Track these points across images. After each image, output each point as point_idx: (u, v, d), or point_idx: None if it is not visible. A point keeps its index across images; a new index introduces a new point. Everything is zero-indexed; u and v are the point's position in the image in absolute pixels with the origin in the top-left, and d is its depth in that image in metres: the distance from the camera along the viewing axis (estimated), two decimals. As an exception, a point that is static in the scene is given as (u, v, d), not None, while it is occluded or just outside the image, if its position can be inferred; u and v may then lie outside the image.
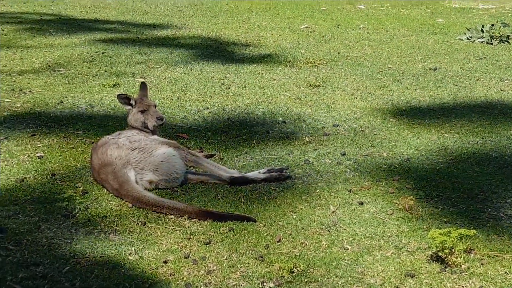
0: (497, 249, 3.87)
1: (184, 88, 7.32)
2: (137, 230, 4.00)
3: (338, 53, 9.53)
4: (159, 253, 3.74)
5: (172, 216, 4.20)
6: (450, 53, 9.74)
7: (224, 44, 10.00)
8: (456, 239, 3.69)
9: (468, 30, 11.07)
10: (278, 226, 4.14)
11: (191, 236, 3.95)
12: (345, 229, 4.13)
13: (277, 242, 3.93)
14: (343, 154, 5.41)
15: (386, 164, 5.21)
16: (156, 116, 4.96)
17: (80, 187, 4.57)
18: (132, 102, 5.01)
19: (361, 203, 4.50)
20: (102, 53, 9.05)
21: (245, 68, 8.40)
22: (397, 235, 4.06)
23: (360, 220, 4.26)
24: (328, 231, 4.10)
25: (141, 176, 4.52)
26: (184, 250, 3.79)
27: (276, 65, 8.64)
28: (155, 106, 5.06)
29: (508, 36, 10.77)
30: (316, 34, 11.05)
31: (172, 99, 6.87)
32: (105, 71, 8.03)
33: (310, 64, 8.68)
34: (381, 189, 4.75)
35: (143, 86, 5.19)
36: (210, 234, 3.98)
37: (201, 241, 3.89)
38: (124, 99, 5.02)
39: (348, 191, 4.69)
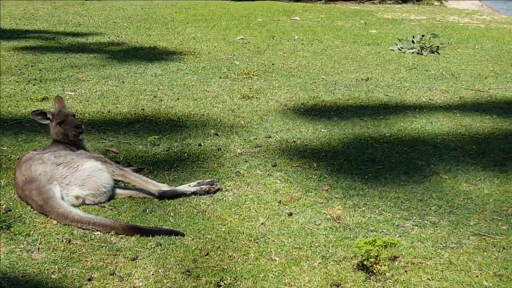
0: (421, 256, 3.94)
1: (115, 101, 7.25)
2: (61, 248, 3.93)
3: (273, 64, 9.58)
4: (83, 270, 3.68)
5: (99, 232, 4.14)
6: (382, 63, 9.91)
7: (158, 56, 9.96)
8: (381, 248, 3.75)
9: (400, 41, 11.28)
10: (207, 239, 4.13)
11: (117, 252, 3.90)
12: (273, 241, 4.14)
13: (205, 255, 3.92)
14: (274, 166, 5.44)
15: (316, 175, 5.26)
16: (74, 125, 4.89)
17: (3, 205, 4.47)
18: (50, 116, 4.93)
19: (290, 214, 4.52)
20: (31, 66, 8.91)
21: (179, 80, 8.38)
22: (325, 245, 4.09)
23: (289, 231, 4.28)
24: (257, 243, 4.11)
25: (67, 192, 4.44)
26: (109, 267, 3.74)
27: (210, 77, 8.64)
28: (74, 115, 5.00)
29: (438, 46, 11.02)
30: (251, 46, 11.10)
31: (103, 113, 6.80)
32: (34, 84, 7.89)
33: (244, 76, 8.70)
34: (311, 199, 4.78)
35: (59, 99, 5.15)
36: (137, 250, 3.94)
37: (127, 257, 3.85)
38: (40, 114, 4.95)
39: (278, 202, 4.71)
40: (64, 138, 4.90)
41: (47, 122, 4.95)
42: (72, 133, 4.89)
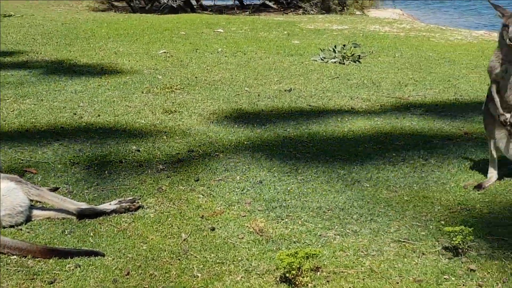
0: (343, 265, 3.97)
1: (33, 120, 7.07)
2: (-25, 274, 3.80)
3: (196, 77, 9.54)
4: (-2, 296, 3.57)
5: (15, 256, 4.02)
6: (304, 74, 9.99)
7: (79, 73, 9.77)
8: (303, 259, 3.75)
9: (322, 50, 11.41)
10: (128, 258, 4.06)
11: (35, 276, 3.79)
12: (196, 257, 4.10)
13: (126, 275, 3.85)
14: (197, 180, 5.40)
15: (239, 188, 5.25)
16: None
17: None
18: None
19: (213, 229, 4.49)
20: None
21: (100, 96, 8.25)
22: (247, 258, 4.08)
23: (211, 246, 4.25)
24: (179, 259, 4.06)
25: (-19, 215, 4.31)
26: (26, 291, 3.63)
27: (132, 92, 8.54)
28: None
29: (359, 55, 11.18)
30: (174, 59, 11.03)
31: (21, 132, 6.63)
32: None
33: (167, 90, 8.63)
34: (233, 213, 4.77)
35: None
36: (55, 273, 3.84)
37: (45, 281, 3.74)
38: None
39: (201, 218, 4.68)
40: None
41: None
42: None
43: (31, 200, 4.53)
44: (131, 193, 5.11)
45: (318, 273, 3.86)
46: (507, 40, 4.87)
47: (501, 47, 5.03)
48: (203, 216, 4.70)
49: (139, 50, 11.88)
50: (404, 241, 4.33)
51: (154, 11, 22.14)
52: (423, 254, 4.16)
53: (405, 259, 4.09)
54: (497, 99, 5.15)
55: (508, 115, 5.09)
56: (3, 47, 12.20)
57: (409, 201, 5.02)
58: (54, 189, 5.01)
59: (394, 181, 5.44)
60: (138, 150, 6.14)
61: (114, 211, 4.69)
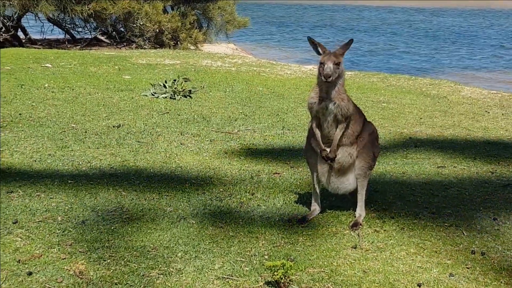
0: (165, 306, 3.91)
1: None
2: None
3: (20, 114, 9.17)
4: None
5: None
6: (134, 109, 9.90)
7: None
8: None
9: (153, 86, 11.38)
10: None
11: None
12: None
13: None
14: (15, 222, 5.14)
15: (60, 229, 5.05)
16: None
17: None
18: None
19: (30, 273, 4.28)
20: None
21: None
22: (65, 303, 3.92)
23: (28, 292, 4.05)
24: (-9, 308, 3.83)
25: None
26: None
27: (-51, 130, 8.05)
28: None
29: (190, 90, 11.26)
30: (-2, 96, 10.55)
31: None
32: None
33: (-13, 128, 8.23)
34: (53, 255, 4.57)
35: None
36: None
37: None
38: None
39: (17, 262, 4.45)
40: None
41: None
42: None
43: None
44: None
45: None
46: (322, 78, 5.05)
47: (319, 84, 5.19)
48: (19, 260, 4.47)
49: (-42, 86, 11.26)
50: (227, 278, 4.34)
51: (-22, 45, 21.21)
52: (245, 290, 4.19)
53: (222, 297, 4.10)
54: (318, 134, 5.30)
55: (328, 150, 5.25)
56: None
57: (234, 236, 5.05)
58: None
59: (220, 216, 5.46)
60: (-47, 193, 5.77)
61: None
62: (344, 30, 43.06)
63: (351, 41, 5.25)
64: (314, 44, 5.18)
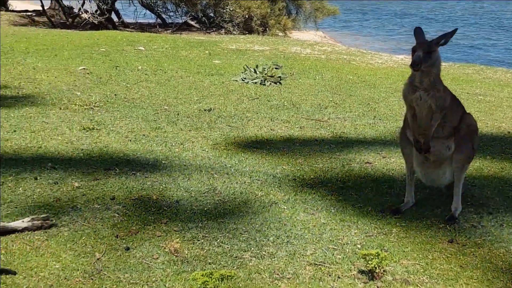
0: (258, 288, 3.97)
1: None
2: None
3: (115, 95, 9.42)
4: None
5: None
6: (225, 94, 10.01)
7: (-6, 86, 9.52)
8: (217, 280, 3.73)
9: (246, 70, 11.45)
10: (40, 277, 3.95)
11: None
12: (109, 277, 4.02)
13: (36, 295, 3.74)
14: (113, 199, 5.31)
15: (155, 207, 5.18)
16: None
17: None
18: None
19: (128, 248, 4.42)
20: None
21: (16, 111, 8.03)
22: (162, 279, 4.02)
23: (125, 266, 4.18)
24: (92, 279, 3.97)
25: None
26: None
27: (50, 108, 8.36)
28: None
29: (280, 77, 11.29)
30: (94, 76, 10.86)
31: None
32: None
33: (85, 107, 8.49)
34: (149, 232, 4.70)
35: None
36: (-39, 293, 3.70)
37: (-49, 300, 3.61)
38: None
39: (115, 237, 4.59)
40: None
41: None
42: None
43: None
44: (45, 210, 4.98)
45: (233, 295, 3.84)
46: (410, 66, 4.97)
47: (412, 73, 5.08)
48: (118, 235, 4.61)
49: (58, 66, 11.65)
50: (320, 264, 4.35)
51: (75, 27, 21.87)
52: (339, 277, 4.19)
53: (321, 282, 4.10)
54: (412, 124, 5.21)
55: (422, 141, 5.17)
56: None
57: (326, 224, 5.05)
58: (-37, 207, 4.85)
59: (311, 203, 5.47)
60: (54, 167, 5.99)
61: (26, 229, 4.56)
62: (443, 22, 41.88)
63: (454, 31, 5.13)
64: (419, 34, 5.08)
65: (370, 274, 4.18)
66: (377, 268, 4.13)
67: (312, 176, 6.18)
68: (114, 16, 23.91)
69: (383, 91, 10.90)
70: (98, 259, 4.26)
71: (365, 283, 4.12)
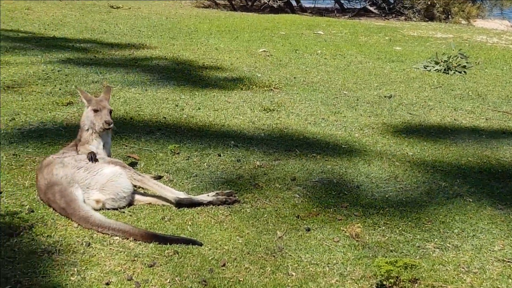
0: (442, 280, 3.86)
1: (138, 109, 7.25)
2: (81, 251, 3.92)
3: (294, 78, 9.55)
4: (101, 274, 3.66)
5: (117, 237, 4.11)
6: (406, 81, 9.84)
7: (181, 66, 9.96)
8: (401, 269, 3.68)
9: (429, 58, 11.18)
10: (224, 250, 4.09)
11: (135, 258, 3.87)
12: (290, 255, 4.08)
13: (222, 266, 3.87)
14: (293, 180, 5.38)
15: (335, 191, 5.19)
16: (105, 120, 4.86)
17: (26, 206, 4.47)
18: (88, 100, 4.91)
19: (308, 229, 4.46)
20: (58, 71, 8.95)
21: (200, 90, 8.37)
22: (343, 262, 4.03)
23: (306, 247, 4.22)
24: (274, 256, 4.05)
25: (88, 195, 4.43)
26: (127, 272, 3.71)
27: (232, 88, 8.62)
28: (110, 111, 4.95)
29: (465, 66, 10.91)
30: (274, 58, 11.07)
31: (125, 119, 6.79)
32: (60, 89, 7.93)
33: (265, 88, 8.68)
34: (329, 215, 4.72)
35: (107, 89, 5.12)
36: (154, 257, 3.91)
37: (145, 264, 3.82)
38: (83, 93, 4.94)
39: (296, 217, 4.65)
40: (90, 125, 4.87)
41: (86, 103, 4.93)
42: (100, 126, 4.85)
43: (134, 185, 4.63)
44: (228, 186, 5.14)
45: (416, 285, 3.77)
46: None
47: None
48: (298, 215, 4.67)
49: (239, 48, 11.99)
50: (509, 261, 4.16)
51: (254, 10, 22.35)
52: (527, 276, 4.00)
53: (510, 280, 3.92)
54: None
55: None
56: (111, 38, 12.56)
57: (515, 219, 4.83)
58: (158, 177, 5.11)
59: (499, 197, 5.24)
60: (236, 145, 6.18)
61: (210, 203, 4.73)
62: None
63: None
64: None
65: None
66: None
67: (500, 170, 5.92)
68: (292, 1, 24.18)
69: None
70: (279, 237, 4.33)
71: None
